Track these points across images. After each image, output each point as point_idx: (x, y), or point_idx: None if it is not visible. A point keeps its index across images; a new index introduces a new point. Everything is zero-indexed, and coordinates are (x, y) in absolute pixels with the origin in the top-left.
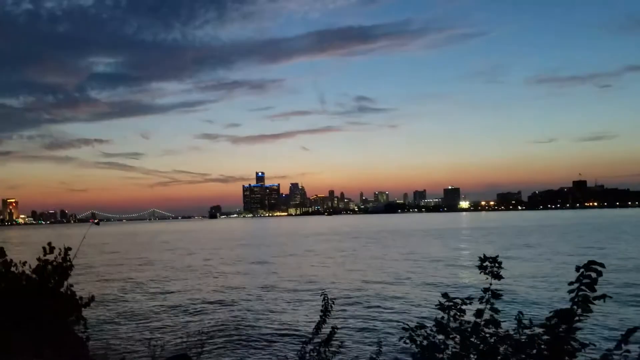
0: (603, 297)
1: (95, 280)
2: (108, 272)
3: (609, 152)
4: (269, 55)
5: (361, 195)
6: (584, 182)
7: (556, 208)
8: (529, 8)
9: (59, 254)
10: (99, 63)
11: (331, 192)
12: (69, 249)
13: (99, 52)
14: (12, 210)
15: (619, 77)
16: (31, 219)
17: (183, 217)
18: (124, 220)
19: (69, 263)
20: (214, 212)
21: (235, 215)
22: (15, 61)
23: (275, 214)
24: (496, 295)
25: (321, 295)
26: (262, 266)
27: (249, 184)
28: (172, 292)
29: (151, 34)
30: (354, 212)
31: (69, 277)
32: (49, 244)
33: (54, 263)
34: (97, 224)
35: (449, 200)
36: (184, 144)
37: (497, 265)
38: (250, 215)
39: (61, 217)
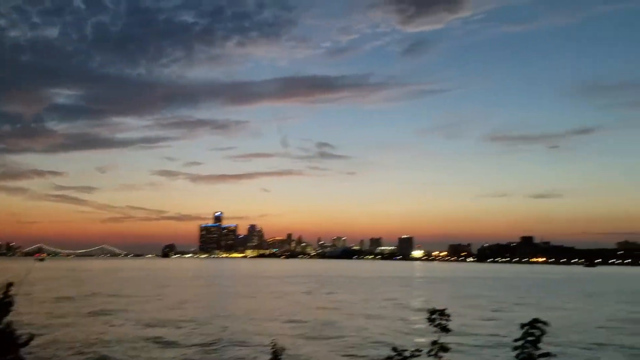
0: (547, 355)
1: (36, 318)
2: (48, 310)
3: (556, 210)
4: (235, 97)
5: (319, 239)
6: (531, 238)
7: (504, 262)
8: (486, 70)
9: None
10: (61, 95)
11: (289, 236)
12: (11, 284)
13: (61, 84)
14: None
15: (566, 139)
16: None
17: (135, 255)
18: (72, 256)
19: (9, 299)
20: (167, 250)
21: (189, 255)
22: None
23: (232, 255)
24: (444, 348)
25: (270, 344)
26: (209, 310)
27: (206, 224)
28: (114, 334)
29: (116, 69)
30: (310, 256)
31: (9, 313)
32: None
33: None
34: (42, 259)
35: (403, 249)
36: (142, 180)
37: (445, 318)
38: (206, 255)
39: (6, 249)
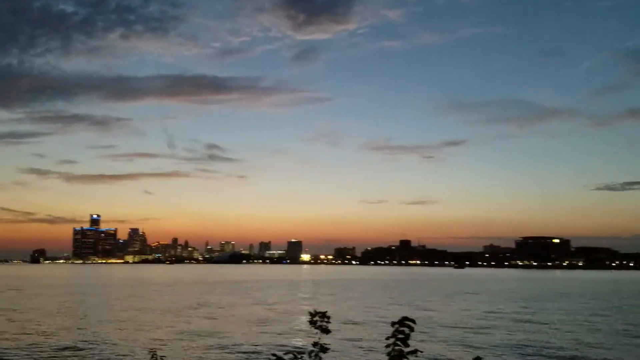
0: (415, 351)
1: None
2: None
3: (430, 215)
4: (116, 92)
5: (206, 244)
6: (409, 241)
7: (385, 264)
8: (368, 82)
9: None
10: None
11: (175, 240)
12: None
13: None
14: None
15: (439, 150)
16: None
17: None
18: None
19: None
20: (37, 256)
21: (62, 261)
22: None
23: (110, 261)
24: (324, 349)
25: (150, 352)
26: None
27: (81, 227)
28: None
29: None
30: (198, 261)
31: None
32: None
33: None
34: None
35: (292, 253)
36: (7, 178)
37: (326, 320)
38: (80, 261)
39: None
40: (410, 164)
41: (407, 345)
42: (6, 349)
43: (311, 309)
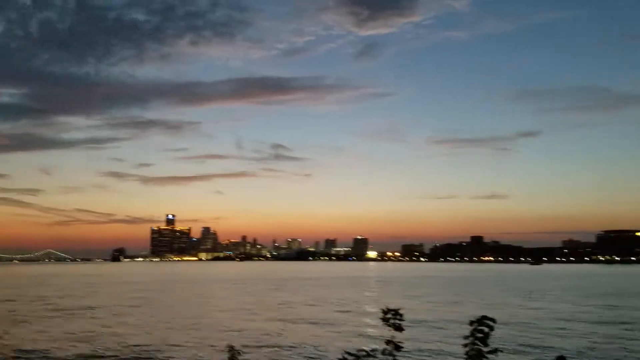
0: (495, 351)
1: None
2: None
3: (504, 210)
4: (187, 97)
5: (274, 241)
6: (481, 237)
7: (455, 261)
8: (434, 75)
9: None
10: (3, 94)
11: (244, 238)
12: None
13: (4, 82)
14: None
15: (513, 142)
16: None
17: (83, 260)
18: (15, 261)
19: None
20: (117, 254)
21: (140, 259)
22: None
23: (185, 259)
24: (398, 347)
25: (226, 347)
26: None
27: (158, 227)
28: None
29: (62, 67)
30: (266, 258)
31: None
32: None
33: None
34: None
35: (358, 250)
36: (89, 181)
37: (399, 317)
38: (158, 259)
39: None
40: (481, 157)
41: (487, 345)
42: (94, 341)
43: (383, 306)
